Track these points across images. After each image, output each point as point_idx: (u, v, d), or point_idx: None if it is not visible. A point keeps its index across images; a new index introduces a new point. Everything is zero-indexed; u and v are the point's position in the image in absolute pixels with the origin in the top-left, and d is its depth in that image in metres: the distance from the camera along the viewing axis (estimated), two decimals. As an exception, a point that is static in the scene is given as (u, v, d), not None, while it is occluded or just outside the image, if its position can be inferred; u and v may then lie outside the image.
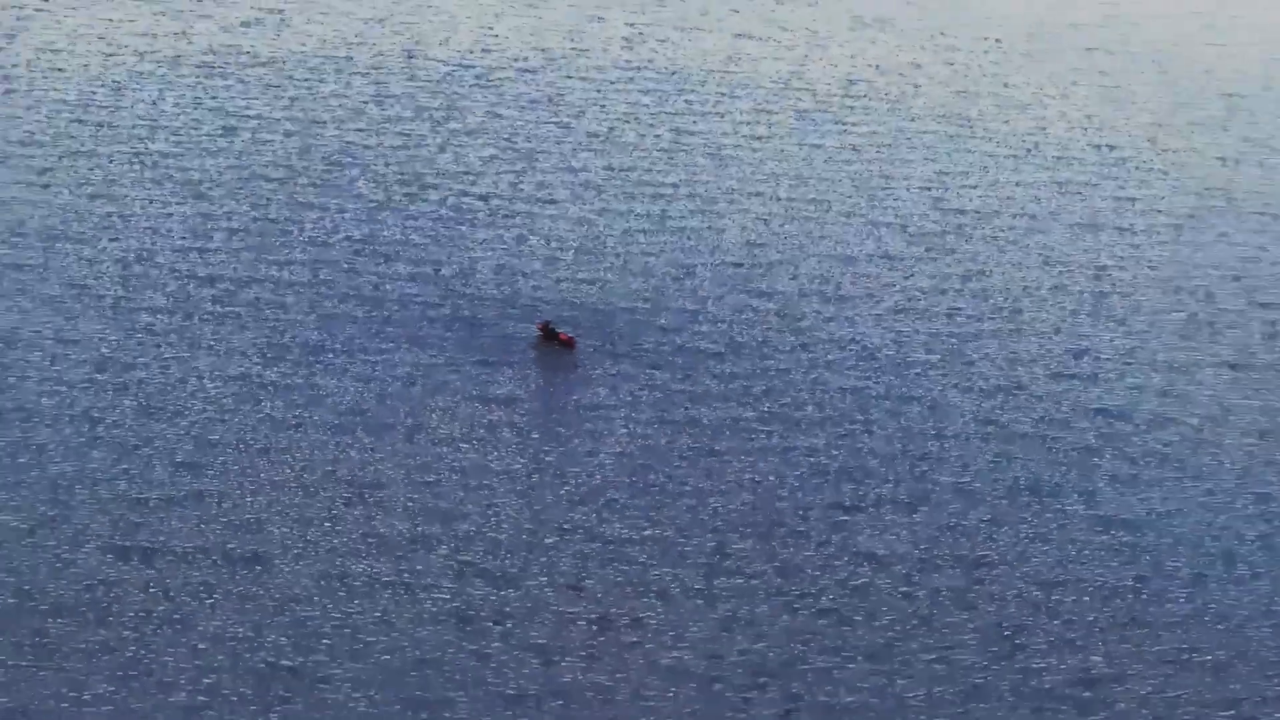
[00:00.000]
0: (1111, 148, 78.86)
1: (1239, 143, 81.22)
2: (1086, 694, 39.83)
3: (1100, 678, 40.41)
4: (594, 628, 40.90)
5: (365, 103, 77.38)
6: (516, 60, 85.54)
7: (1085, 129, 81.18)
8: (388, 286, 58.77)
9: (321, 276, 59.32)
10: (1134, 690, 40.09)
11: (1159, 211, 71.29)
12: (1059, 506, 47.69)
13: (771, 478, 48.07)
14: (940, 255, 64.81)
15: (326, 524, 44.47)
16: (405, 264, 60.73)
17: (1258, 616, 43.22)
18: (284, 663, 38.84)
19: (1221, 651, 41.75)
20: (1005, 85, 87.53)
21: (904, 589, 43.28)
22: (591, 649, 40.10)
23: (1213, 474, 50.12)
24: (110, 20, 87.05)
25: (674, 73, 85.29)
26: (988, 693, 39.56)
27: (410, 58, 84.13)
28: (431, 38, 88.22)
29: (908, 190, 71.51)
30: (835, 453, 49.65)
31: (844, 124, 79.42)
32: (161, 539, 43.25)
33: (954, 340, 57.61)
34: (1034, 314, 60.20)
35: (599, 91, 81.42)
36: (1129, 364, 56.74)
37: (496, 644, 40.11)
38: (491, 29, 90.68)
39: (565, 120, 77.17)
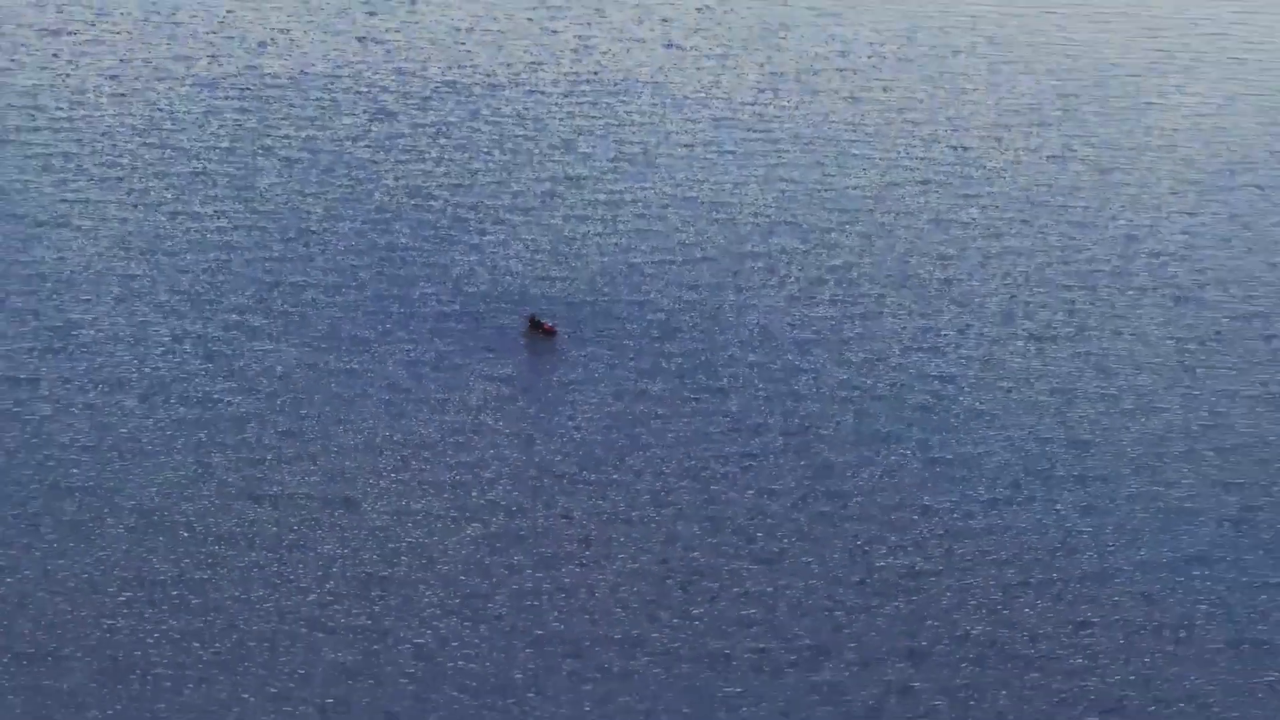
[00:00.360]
0: (965, 148, 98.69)
1: (1069, 141, 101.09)
2: (912, 583, 60.13)
3: (922, 572, 60.71)
4: (579, 544, 60.95)
5: (369, 121, 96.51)
6: (488, 76, 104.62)
7: (945, 130, 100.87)
8: (408, 288, 78.30)
9: (359, 279, 78.82)
10: (946, 582, 60.42)
11: (996, 207, 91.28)
12: (902, 450, 67.87)
13: (699, 433, 68.08)
14: (824, 249, 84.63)
15: (390, 475, 64.35)
16: (420, 267, 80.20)
17: (1033, 528, 63.61)
18: (378, 573, 58.89)
19: (1004, 552, 62.12)
20: (886, 90, 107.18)
21: (791, 513, 63.45)
22: (579, 558, 60.18)
23: (1016, 424, 70.36)
24: (148, 45, 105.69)
25: (615, 85, 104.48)
26: (845, 582, 59.84)
27: (399, 74, 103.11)
28: (415, 57, 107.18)
29: (802, 192, 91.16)
30: (745, 413, 69.68)
31: (753, 130, 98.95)
32: (278, 488, 63.06)
33: (832, 321, 77.56)
34: (894, 299, 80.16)
35: (556, 104, 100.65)
36: (961, 338, 76.83)
37: (518, 556, 60.18)
38: (464, 44, 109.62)
39: (530, 133, 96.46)
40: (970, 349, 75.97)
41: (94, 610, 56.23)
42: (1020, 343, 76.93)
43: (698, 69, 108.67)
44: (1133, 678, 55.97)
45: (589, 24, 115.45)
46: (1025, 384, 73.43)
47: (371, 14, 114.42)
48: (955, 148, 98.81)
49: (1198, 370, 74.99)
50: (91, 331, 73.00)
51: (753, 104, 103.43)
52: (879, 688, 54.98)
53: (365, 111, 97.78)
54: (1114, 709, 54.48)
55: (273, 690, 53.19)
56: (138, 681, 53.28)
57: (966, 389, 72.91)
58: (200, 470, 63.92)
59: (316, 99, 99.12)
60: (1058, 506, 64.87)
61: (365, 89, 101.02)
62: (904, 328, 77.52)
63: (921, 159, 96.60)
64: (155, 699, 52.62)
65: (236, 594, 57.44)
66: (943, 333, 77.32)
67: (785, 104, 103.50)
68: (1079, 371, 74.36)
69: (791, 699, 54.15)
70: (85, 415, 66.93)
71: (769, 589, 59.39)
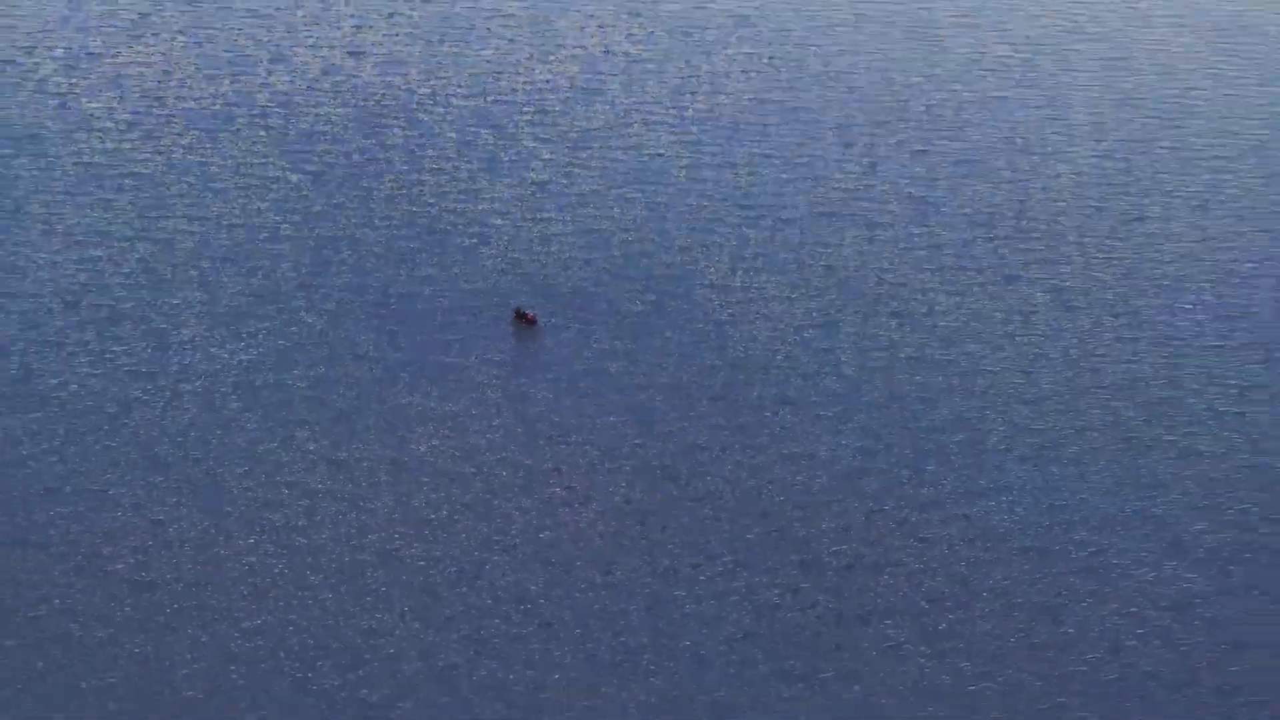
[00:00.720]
0: (848, 146, 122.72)
1: (930, 137, 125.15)
2: (790, 511, 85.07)
3: (795, 505, 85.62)
4: (568, 489, 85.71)
5: (364, 139, 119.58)
6: (461, 87, 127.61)
7: (840, 130, 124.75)
8: (415, 286, 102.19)
9: (376, 281, 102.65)
10: (821, 514, 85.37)
11: (873, 200, 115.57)
12: (798, 407, 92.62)
13: (657, 401, 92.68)
14: (724, 241, 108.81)
15: (414, 436, 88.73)
16: (425, 267, 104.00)
17: (887, 469, 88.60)
18: (425, 515, 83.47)
19: (868, 488, 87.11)
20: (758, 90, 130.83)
21: (716, 462, 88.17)
22: (565, 499, 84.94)
23: (855, 394, 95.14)
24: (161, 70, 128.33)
25: (566, 90, 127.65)
26: (751, 512, 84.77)
27: (383, 92, 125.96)
28: (393, 71, 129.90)
29: (701, 187, 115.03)
30: (693, 380, 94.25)
31: (675, 132, 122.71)
32: (312, 449, 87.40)
33: (759, 300, 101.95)
34: (785, 284, 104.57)
35: (520, 114, 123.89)
36: (839, 315, 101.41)
37: (523, 500, 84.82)
38: (436, 58, 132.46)
39: (502, 143, 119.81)
40: (849, 325, 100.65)
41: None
42: (884, 319, 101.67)
43: (627, 74, 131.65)
44: (953, 576, 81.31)
45: (543, 51, 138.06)
46: (886, 351, 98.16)
47: (358, 28, 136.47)
48: (847, 147, 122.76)
49: (1015, 338, 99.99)
50: (136, 325, 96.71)
51: (706, 108, 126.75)
52: (778, 590, 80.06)
53: (358, 128, 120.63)
54: (938, 599, 79.83)
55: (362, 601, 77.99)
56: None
57: (844, 358, 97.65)
58: (280, 435, 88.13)
59: (309, 112, 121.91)
60: (908, 452, 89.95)
61: (349, 106, 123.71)
62: (793, 308, 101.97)
63: (816, 156, 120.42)
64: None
65: (324, 523, 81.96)
66: (827, 311, 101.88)
67: (737, 103, 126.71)
68: (926, 340, 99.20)
69: (720, 596, 79.26)
70: (190, 403, 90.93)
71: (703, 519, 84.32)
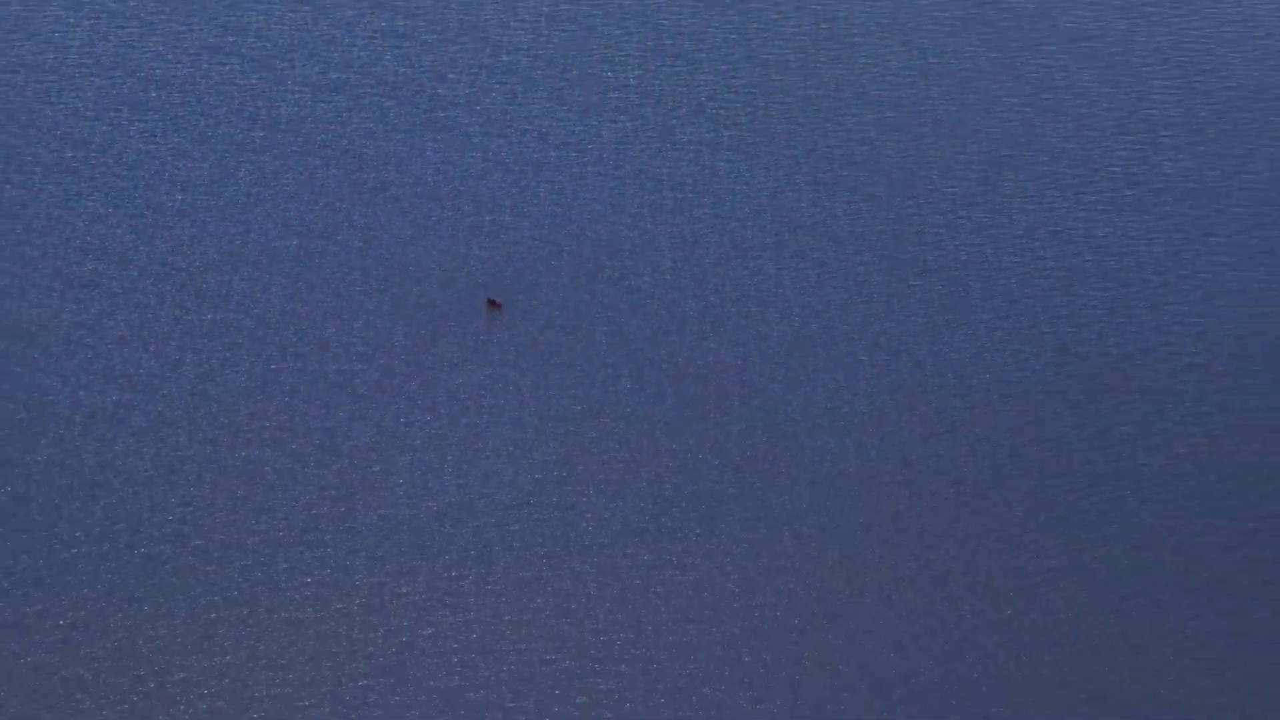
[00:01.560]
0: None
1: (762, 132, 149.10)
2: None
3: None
4: (530, 429, 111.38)
5: (351, 146, 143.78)
6: (430, 94, 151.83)
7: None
8: (405, 281, 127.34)
9: (376, 278, 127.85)
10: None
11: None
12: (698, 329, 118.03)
13: (603, 376, 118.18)
14: (643, 235, 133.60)
15: (401, 415, 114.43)
16: (414, 265, 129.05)
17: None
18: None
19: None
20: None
21: (646, 398, 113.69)
22: (532, 432, 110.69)
23: (761, 341, 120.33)
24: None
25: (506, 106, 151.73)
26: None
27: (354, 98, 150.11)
28: (371, 91, 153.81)
29: (616, 187, 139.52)
30: (628, 357, 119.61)
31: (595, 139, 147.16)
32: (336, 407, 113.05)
33: (667, 288, 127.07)
34: (688, 270, 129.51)
35: (458, 123, 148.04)
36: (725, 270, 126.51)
37: (509, 460, 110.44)
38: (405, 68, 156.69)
39: (455, 150, 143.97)
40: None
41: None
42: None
43: (530, 80, 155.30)
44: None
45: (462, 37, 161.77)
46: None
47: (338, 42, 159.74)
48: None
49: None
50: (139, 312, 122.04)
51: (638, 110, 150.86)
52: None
53: (335, 149, 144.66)
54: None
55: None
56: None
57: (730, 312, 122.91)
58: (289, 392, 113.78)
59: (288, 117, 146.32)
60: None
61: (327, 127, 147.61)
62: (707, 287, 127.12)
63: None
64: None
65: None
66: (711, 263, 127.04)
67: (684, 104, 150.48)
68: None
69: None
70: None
71: (629, 452, 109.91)
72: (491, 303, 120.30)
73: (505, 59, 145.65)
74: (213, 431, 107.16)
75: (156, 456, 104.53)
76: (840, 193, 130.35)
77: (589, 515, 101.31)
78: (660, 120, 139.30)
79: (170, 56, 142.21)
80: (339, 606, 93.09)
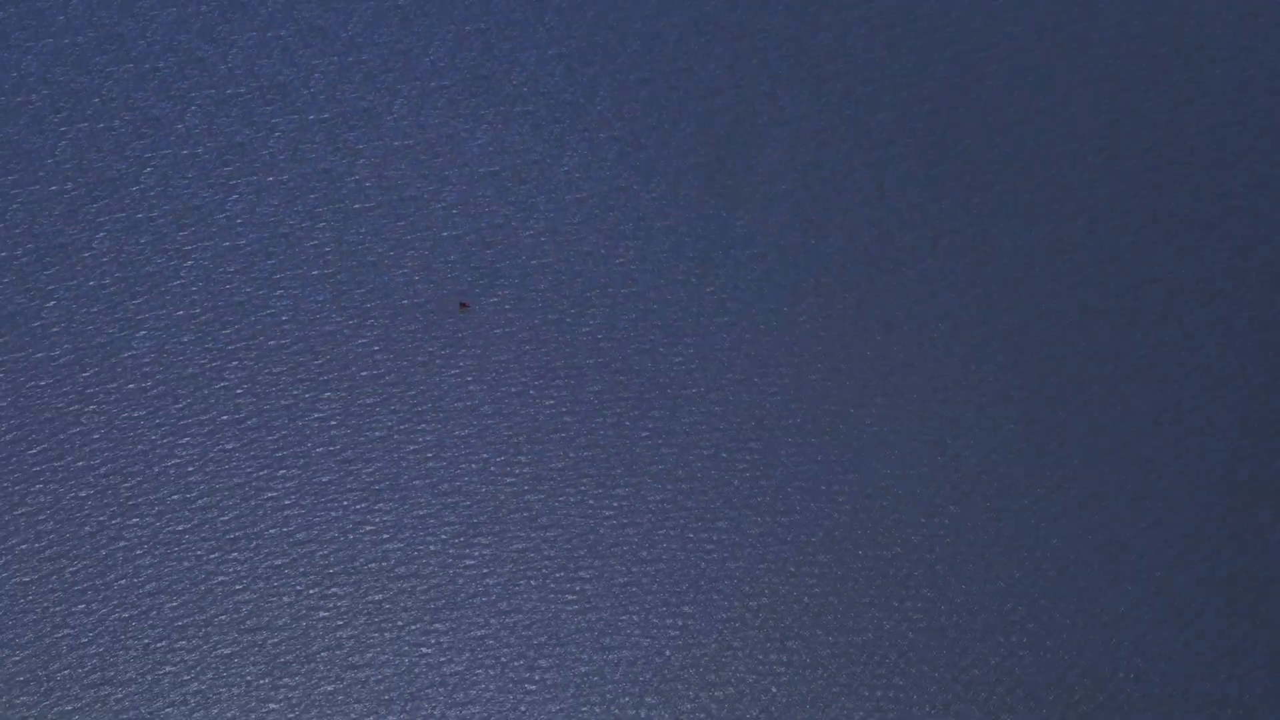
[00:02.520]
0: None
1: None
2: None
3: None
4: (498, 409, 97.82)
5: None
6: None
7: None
8: (387, 288, 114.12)
9: (344, 281, 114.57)
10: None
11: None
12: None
13: (559, 365, 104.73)
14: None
15: (397, 382, 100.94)
16: (396, 275, 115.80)
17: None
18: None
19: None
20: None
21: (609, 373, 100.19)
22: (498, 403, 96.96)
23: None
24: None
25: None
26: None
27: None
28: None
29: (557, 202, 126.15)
30: (581, 348, 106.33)
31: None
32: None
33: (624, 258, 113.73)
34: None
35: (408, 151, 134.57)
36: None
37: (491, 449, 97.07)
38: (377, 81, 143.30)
39: (416, 176, 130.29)
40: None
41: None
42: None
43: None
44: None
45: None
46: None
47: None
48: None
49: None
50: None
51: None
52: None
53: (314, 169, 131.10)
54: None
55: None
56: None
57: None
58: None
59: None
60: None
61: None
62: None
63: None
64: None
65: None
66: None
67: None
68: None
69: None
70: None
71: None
72: (462, 304, 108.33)
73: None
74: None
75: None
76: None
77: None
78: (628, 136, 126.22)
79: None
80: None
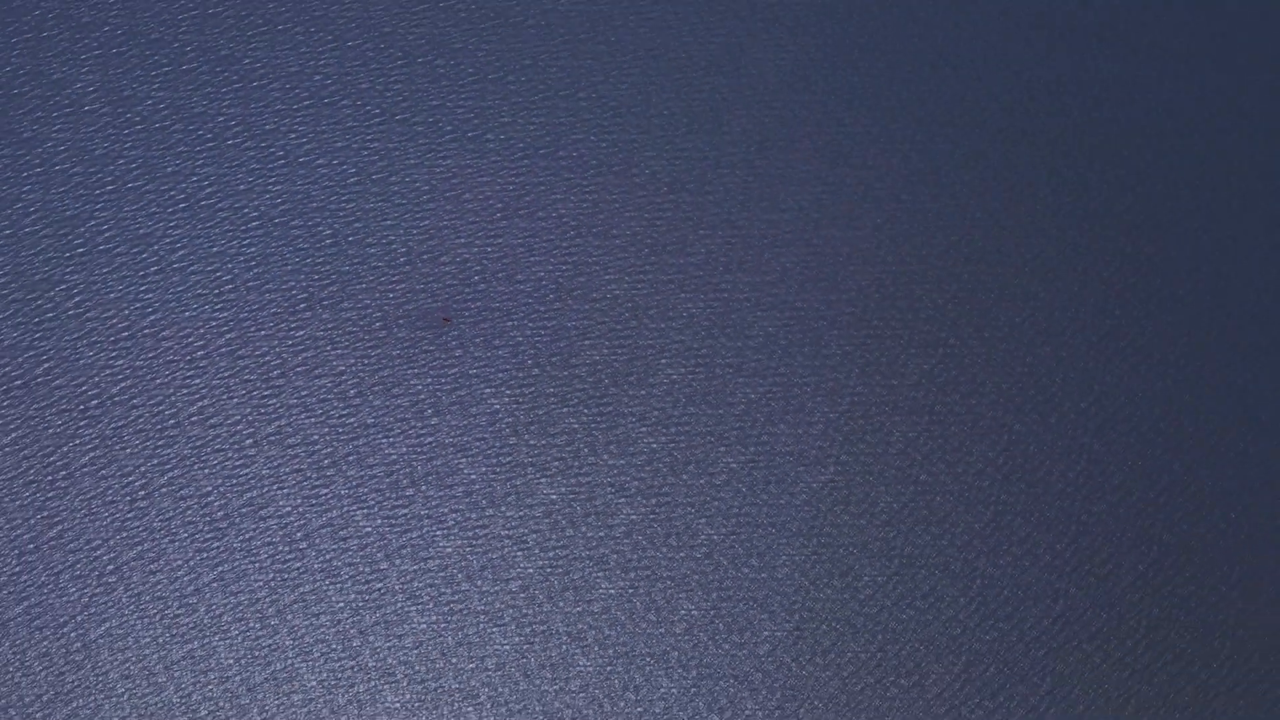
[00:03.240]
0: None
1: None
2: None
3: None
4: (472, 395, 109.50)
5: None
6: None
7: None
8: (373, 296, 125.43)
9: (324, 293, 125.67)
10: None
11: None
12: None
13: (528, 359, 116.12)
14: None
15: (383, 382, 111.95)
16: (379, 288, 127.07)
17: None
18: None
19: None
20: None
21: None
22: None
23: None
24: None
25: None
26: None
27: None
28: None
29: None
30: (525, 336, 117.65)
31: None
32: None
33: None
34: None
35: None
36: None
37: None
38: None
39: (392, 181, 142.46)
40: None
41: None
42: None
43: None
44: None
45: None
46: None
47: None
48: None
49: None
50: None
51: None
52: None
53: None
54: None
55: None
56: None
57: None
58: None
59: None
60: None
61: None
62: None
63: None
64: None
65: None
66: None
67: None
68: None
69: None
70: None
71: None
72: (446, 317, 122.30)
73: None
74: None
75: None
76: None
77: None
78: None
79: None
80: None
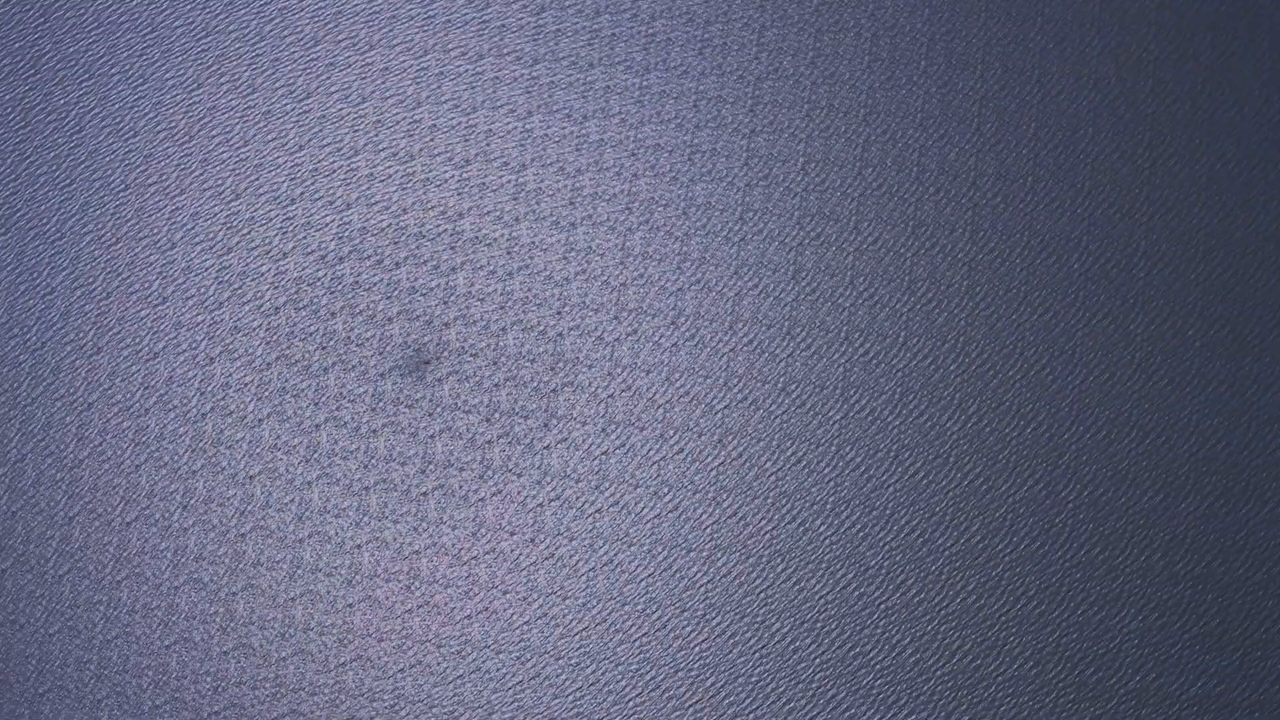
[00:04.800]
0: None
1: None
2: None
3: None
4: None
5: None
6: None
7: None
8: (373, 329, 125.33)
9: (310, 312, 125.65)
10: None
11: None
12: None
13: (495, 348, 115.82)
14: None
15: (361, 397, 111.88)
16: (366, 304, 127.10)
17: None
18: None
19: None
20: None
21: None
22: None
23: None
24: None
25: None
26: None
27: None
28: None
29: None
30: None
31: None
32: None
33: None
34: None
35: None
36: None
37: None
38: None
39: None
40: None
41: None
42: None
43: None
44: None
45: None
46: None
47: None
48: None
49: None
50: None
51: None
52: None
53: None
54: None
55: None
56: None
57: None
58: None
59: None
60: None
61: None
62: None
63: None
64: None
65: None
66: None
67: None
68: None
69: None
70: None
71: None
72: (423, 364, 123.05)
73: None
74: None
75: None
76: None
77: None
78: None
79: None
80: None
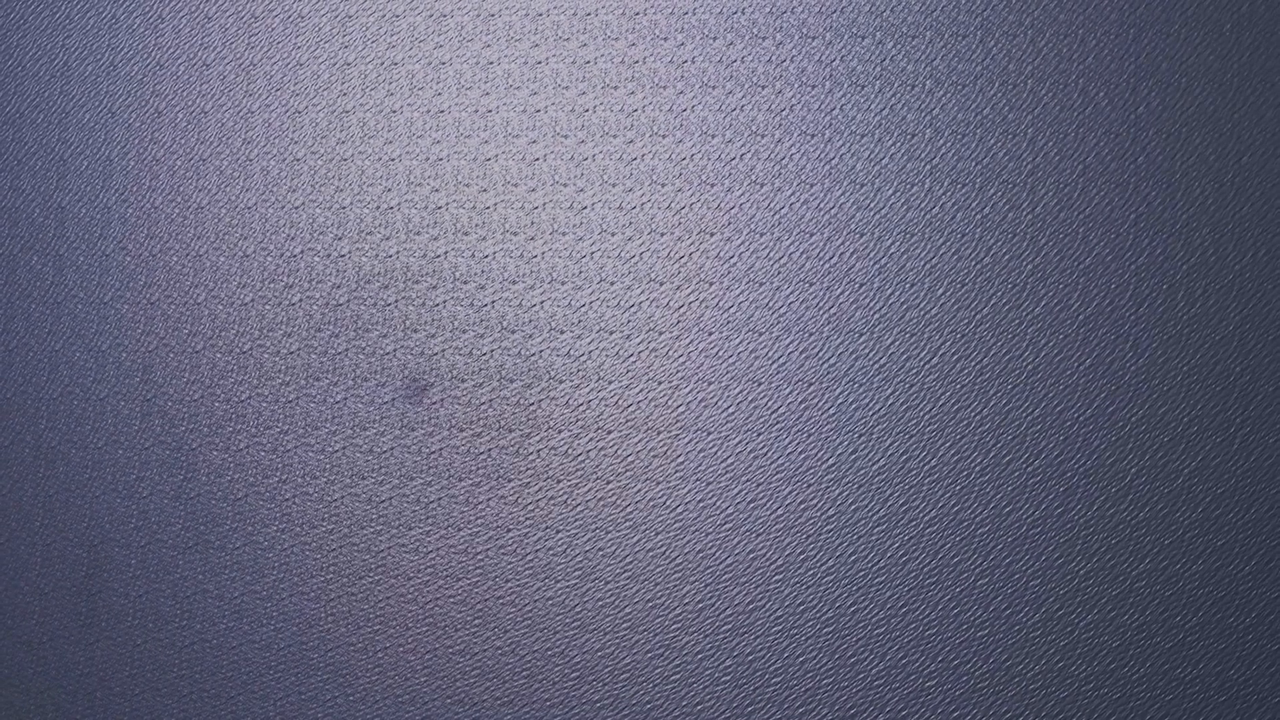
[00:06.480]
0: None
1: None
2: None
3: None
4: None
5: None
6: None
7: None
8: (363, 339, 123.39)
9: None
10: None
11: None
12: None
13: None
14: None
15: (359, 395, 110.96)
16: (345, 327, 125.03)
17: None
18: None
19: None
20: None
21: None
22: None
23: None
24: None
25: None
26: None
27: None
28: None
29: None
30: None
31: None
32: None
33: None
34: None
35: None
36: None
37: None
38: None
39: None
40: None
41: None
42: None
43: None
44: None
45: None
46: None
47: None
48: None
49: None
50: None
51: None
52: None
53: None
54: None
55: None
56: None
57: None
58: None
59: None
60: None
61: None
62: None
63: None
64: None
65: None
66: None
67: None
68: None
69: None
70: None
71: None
72: (422, 390, 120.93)
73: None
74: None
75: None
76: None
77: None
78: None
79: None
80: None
